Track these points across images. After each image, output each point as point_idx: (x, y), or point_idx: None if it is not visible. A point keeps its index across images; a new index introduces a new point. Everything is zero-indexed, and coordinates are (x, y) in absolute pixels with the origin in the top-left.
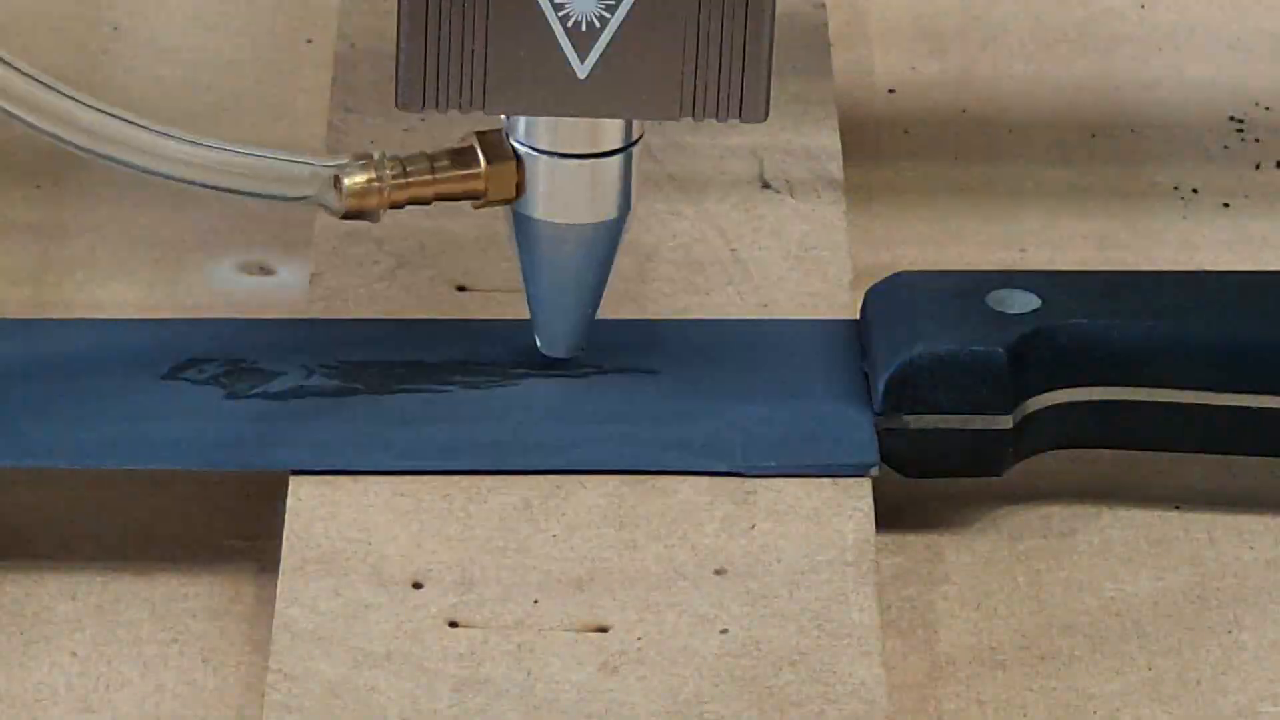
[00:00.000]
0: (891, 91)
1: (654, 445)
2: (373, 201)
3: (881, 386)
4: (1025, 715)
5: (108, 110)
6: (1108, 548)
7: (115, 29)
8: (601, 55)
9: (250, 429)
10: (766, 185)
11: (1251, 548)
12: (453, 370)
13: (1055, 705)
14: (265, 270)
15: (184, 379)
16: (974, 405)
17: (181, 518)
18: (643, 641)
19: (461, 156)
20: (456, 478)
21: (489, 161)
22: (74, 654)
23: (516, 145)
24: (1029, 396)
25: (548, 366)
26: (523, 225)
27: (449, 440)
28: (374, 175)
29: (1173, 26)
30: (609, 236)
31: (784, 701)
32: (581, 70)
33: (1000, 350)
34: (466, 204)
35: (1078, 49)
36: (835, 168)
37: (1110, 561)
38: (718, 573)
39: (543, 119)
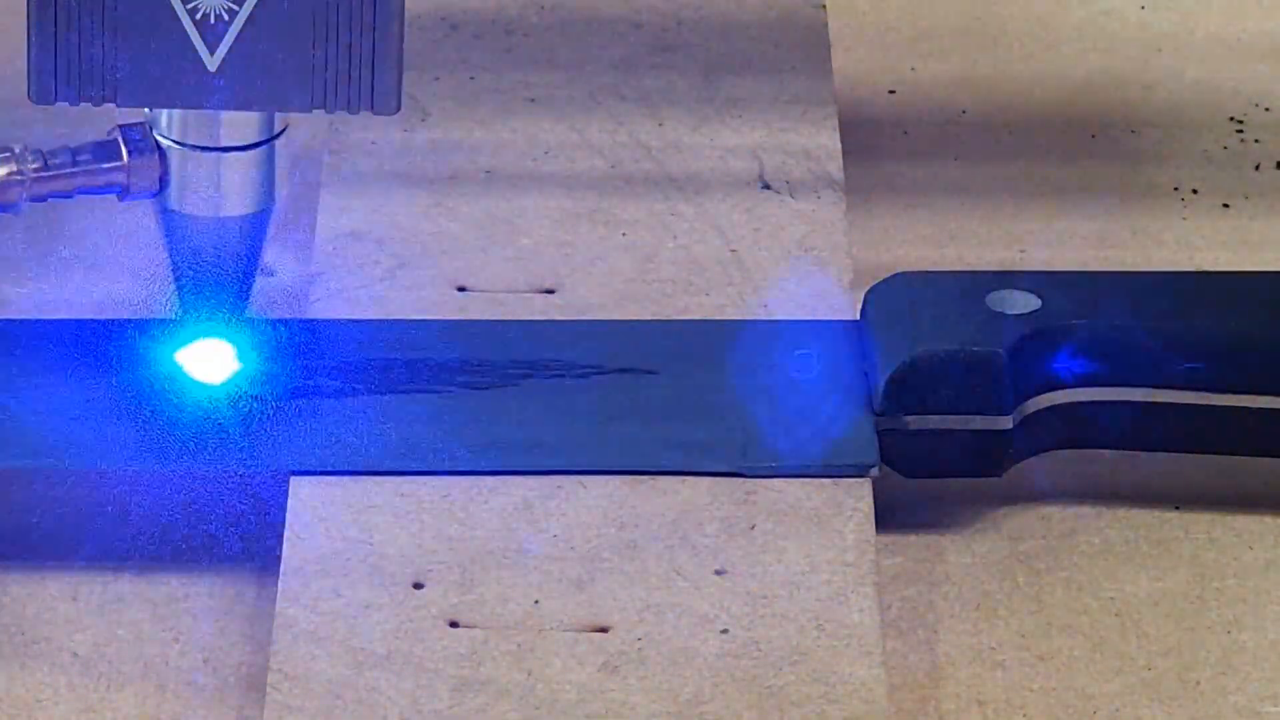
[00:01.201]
0: (891, 92)
1: (654, 445)
2: (14, 194)
3: (881, 387)
4: (1025, 715)
5: None
6: (1108, 548)
7: None
8: (231, 47)
9: (251, 429)
10: (766, 185)
11: (1251, 548)
12: (453, 370)
13: (1055, 705)
14: (265, 270)
15: (185, 379)
16: (974, 405)
17: (182, 518)
18: (643, 641)
19: (105, 149)
20: (456, 478)
21: (131, 154)
22: (75, 654)
23: (159, 138)
24: (1029, 397)
25: (547, 367)
26: (165, 219)
27: (449, 440)
28: (14, 168)
29: (1173, 27)
30: (251, 231)
31: (784, 702)
32: (212, 62)
33: (1000, 350)
34: (464, 204)
35: (1078, 49)
36: (835, 168)
37: (1110, 562)
38: (718, 573)
39: (179, 112)
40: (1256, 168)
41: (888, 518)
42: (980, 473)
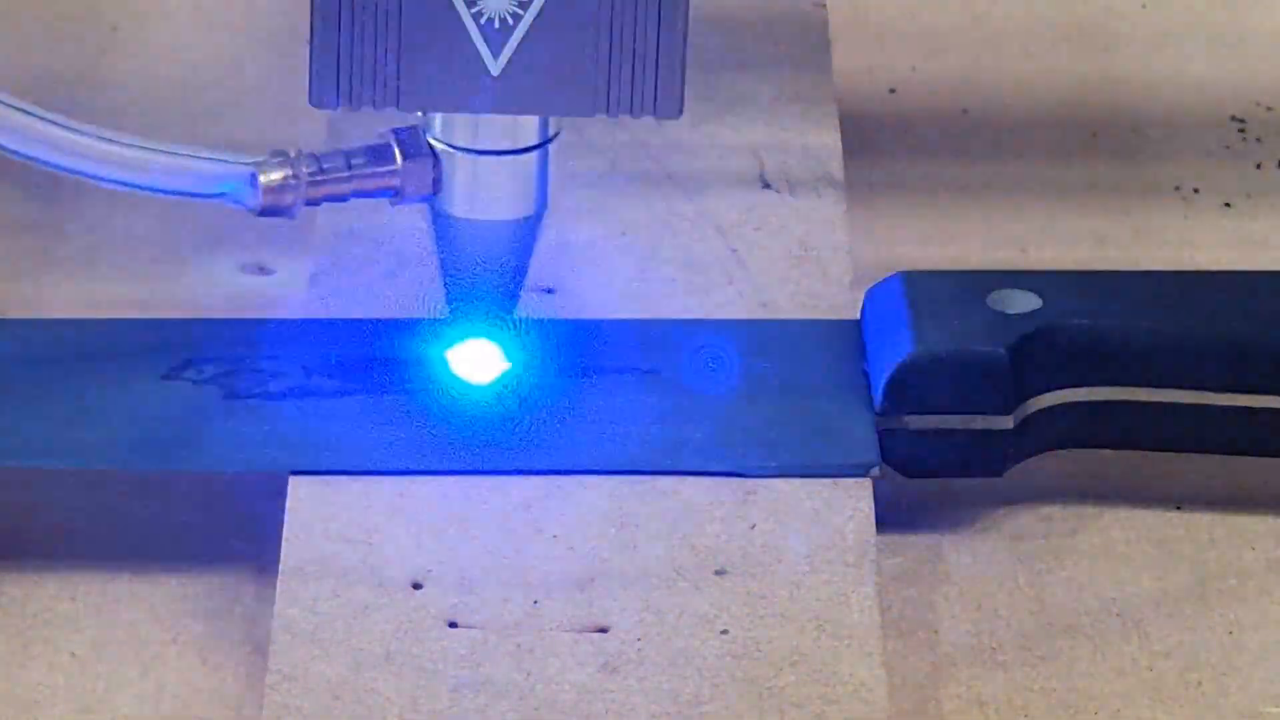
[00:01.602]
0: (892, 91)
1: (654, 445)
2: (288, 198)
3: (882, 386)
4: (1026, 716)
5: (18, 105)
6: (1109, 548)
7: (115, 29)
8: (515, 52)
9: (250, 429)
10: (767, 185)
11: (1253, 548)
12: (448, 370)
13: (1056, 706)
14: (265, 270)
15: (184, 379)
16: (974, 405)
17: (181, 518)
18: (643, 642)
19: (378, 153)
20: (456, 478)
21: (405, 158)
22: (73, 654)
23: (433, 142)
24: (1029, 397)
25: (548, 367)
26: (440, 222)
27: (449, 440)
28: (290, 172)
29: (1173, 26)
30: (526, 233)
31: (784, 702)
32: (495, 67)
33: (1001, 350)
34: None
35: (1078, 49)
36: (836, 167)
37: (1111, 562)
38: (718, 573)
39: (457, 116)
40: (1258, 167)
41: (888, 518)
42: (981, 473)
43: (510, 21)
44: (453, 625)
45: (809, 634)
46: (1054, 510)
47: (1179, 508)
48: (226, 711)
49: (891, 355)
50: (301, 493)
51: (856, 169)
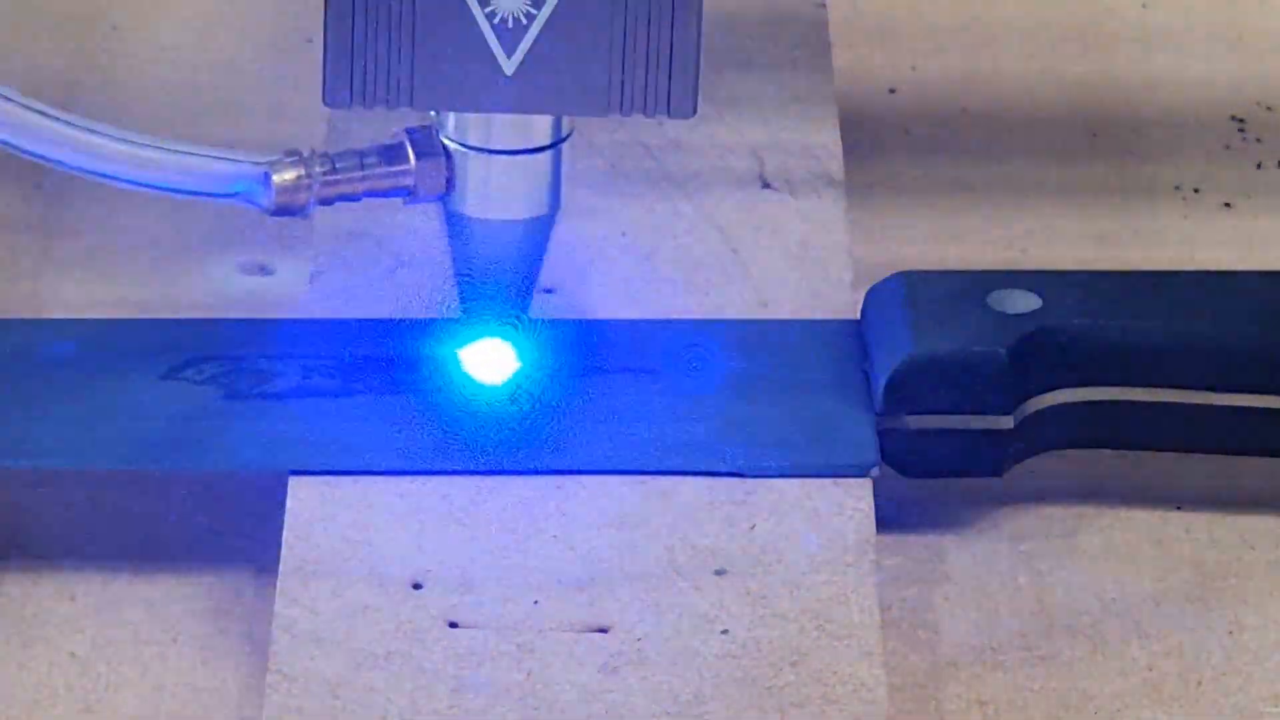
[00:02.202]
0: (892, 91)
1: (654, 445)
2: (302, 198)
3: (882, 386)
4: (1026, 716)
5: (31, 104)
6: (1109, 548)
7: (115, 29)
8: (528, 51)
9: (250, 429)
10: (767, 185)
11: (1253, 548)
12: (452, 370)
13: (1056, 706)
14: (265, 270)
15: (184, 379)
16: (974, 405)
17: (181, 518)
18: (643, 642)
19: (391, 153)
20: (456, 478)
21: (418, 158)
22: (73, 654)
23: (446, 141)
24: (1030, 396)
25: (546, 367)
26: (453, 222)
27: (449, 440)
28: (303, 172)
29: (1173, 26)
30: (538, 233)
31: (784, 702)
32: (509, 66)
33: (1001, 350)
34: None
35: (1078, 49)
36: (836, 167)
37: (1111, 562)
38: (718, 573)
39: (471, 115)
40: (1258, 166)
41: (888, 518)
42: (981, 473)
43: (524, 21)
44: (453, 625)
45: (809, 634)
46: (1054, 510)
47: (1179, 508)
48: (226, 711)
49: (891, 355)
50: (301, 493)
51: (856, 169)
